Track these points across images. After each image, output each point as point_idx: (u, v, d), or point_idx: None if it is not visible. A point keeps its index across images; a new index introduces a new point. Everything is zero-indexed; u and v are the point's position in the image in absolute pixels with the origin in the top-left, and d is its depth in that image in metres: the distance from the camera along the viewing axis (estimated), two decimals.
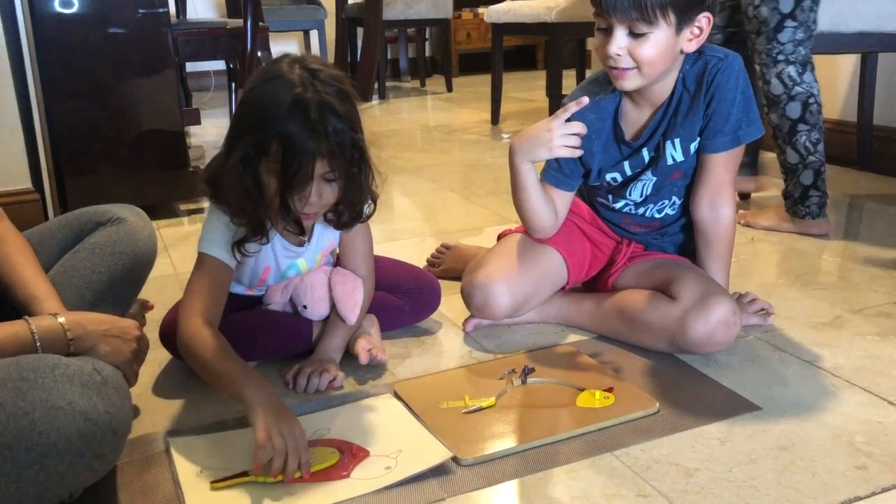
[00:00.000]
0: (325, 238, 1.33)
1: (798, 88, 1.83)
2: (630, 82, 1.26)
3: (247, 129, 1.11)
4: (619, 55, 1.23)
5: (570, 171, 1.38)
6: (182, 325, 1.15)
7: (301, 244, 1.30)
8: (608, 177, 1.39)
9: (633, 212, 1.43)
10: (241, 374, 1.06)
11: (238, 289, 1.36)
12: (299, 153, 1.06)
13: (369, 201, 1.24)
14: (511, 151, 1.32)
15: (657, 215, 1.43)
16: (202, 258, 1.21)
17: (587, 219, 1.48)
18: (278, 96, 1.07)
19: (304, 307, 1.33)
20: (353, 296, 1.30)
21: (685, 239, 1.45)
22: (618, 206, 1.44)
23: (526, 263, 1.39)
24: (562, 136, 1.27)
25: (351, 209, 1.21)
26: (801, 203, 1.91)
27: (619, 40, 1.22)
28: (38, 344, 0.96)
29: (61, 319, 1.00)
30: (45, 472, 0.84)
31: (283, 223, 1.17)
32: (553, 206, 1.37)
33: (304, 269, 1.35)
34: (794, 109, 1.84)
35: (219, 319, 1.19)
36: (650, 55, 1.22)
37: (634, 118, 1.36)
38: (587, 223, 1.48)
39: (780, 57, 1.83)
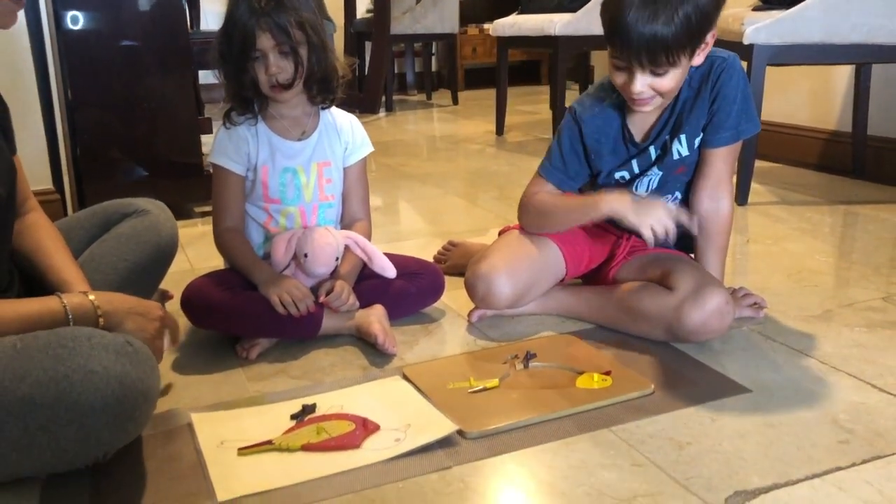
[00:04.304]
0: (321, 147, 1.50)
1: None
2: (651, 107, 1.34)
3: (220, 33, 1.40)
4: (642, 91, 1.29)
5: (575, 174, 1.44)
6: (214, 234, 1.48)
7: (298, 138, 1.47)
8: (617, 175, 1.46)
9: None
10: (250, 266, 1.42)
11: (258, 215, 1.49)
12: (246, 29, 1.34)
13: (338, 80, 1.46)
14: (610, 202, 1.33)
15: None
16: (215, 170, 1.48)
17: None
18: None
19: (306, 255, 1.41)
20: (337, 249, 1.46)
21: (683, 233, 1.51)
22: None
23: (526, 255, 1.46)
24: (673, 219, 1.30)
25: (311, 79, 1.42)
26: None
27: (642, 81, 1.27)
28: (71, 317, 1.03)
29: (91, 297, 1.07)
30: (84, 430, 0.91)
31: (258, 90, 1.41)
32: None
33: (304, 182, 1.48)
34: None
35: (242, 215, 1.49)
36: (672, 86, 1.30)
37: (641, 119, 1.42)
38: None
39: None
